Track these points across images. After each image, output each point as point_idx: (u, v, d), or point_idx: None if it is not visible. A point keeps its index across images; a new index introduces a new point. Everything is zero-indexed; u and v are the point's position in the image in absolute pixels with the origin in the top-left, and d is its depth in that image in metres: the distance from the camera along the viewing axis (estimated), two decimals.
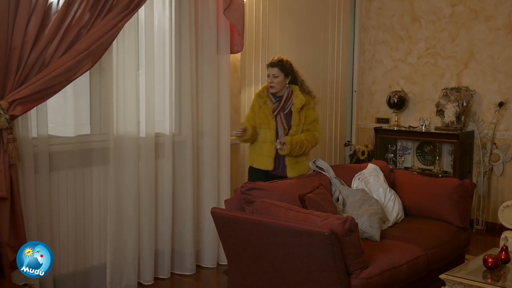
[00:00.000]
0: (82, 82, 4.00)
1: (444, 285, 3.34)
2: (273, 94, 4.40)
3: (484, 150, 5.78)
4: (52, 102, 3.80)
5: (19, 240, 3.56)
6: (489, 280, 3.28)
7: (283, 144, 4.27)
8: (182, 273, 4.56)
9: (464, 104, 5.80)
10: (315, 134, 4.48)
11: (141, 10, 4.13)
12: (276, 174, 4.41)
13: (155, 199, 4.37)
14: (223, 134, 4.77)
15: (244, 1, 4.76)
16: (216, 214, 3.55)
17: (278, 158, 4.42)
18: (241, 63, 5.11)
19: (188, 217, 4.55)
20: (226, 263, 3.76)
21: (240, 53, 4.93)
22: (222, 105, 4.75)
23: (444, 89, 5.95)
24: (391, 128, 6.19)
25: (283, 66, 4.36)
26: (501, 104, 5.69)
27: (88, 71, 3.86)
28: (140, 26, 4.21)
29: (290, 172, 4.40)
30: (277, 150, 4.35)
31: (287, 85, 4.40)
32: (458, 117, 5.80)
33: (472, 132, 5.86)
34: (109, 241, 4.14)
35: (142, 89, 4.24)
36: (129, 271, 4.21)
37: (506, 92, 5.72)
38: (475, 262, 3.55)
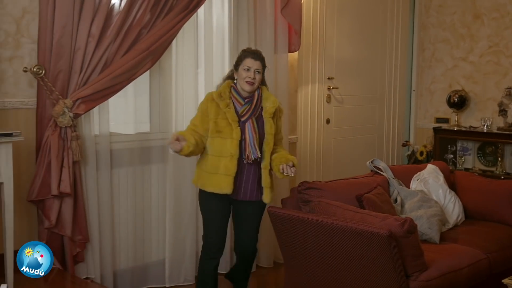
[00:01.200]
0: (142, 81, 4.09)
1: None
2: (239, 94, 3.47)
3: None
4: (113, 101, 3.89)
5: (82, 235, 3.68)
6: None
7: (292, 167, 3.41)
8: None
9: None
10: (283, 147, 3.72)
11: (200, 10, 4.18)
12: (236, 198, 3.50)
13: None
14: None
15: (301, 0, 4.75)
16: (273, 213, 3.55)
17: (241, 178, 3.47)
18: (298, 62, 5.09)
19: None
20: (283, 262, 3.75)
21: (297, 52, 4.92)
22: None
23: (508, 88, 5.75)
24: (451, 128, 6.05)
25: (264, 62, 3.54)
26: None
27: (148, 70, 3.94)
28: (199, 25, 4.26)
29: (267, 196, 3.53)
30: (242, 166, 3.44)
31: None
32: None
33: None
34: (168, 237, 4.21)
35: (201, 87, 4.29)
36: (187, 266, 4.27)
37: None
38: None
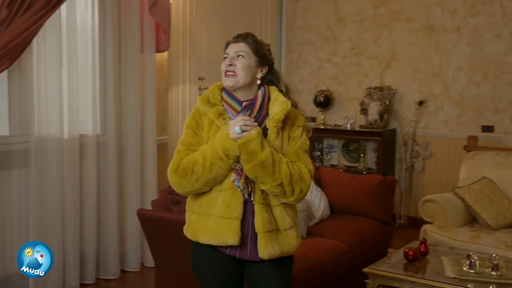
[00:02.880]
0: (0, 81, 3.86)
1: (368, 278, 3.44)
2: (232, 96, 2.35)
3: (405, 147, 5.98)
4: None
5: None
6: (409, 272, 3.41)
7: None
8: (107, 278, 4.44)
9: (387, 102, 5.98)
10: (304, 167, 2.39)
11: (63, 8, 4.03)
12: (243, 257, 2.29)
13: (80, 201, 4.26)
14: (149, 134, 4.70)
15: (170, 0, 4.72)
16: (142, 215, 3.50)
17: (248, 224, 2.26)
18: (168, 62, 5.06)
19: (113, 220, 4.46)
20: (151, 266, 3.70)
21: (167, 52, 4.89)
22: (148, 105, 4.69)
23: (368, 88, 6.11)
24: (318, 126, 6.30)
25: (255, 42, 2.45)
26: (421, 103, 5.91)
27: (7, 71, 3.73)
28: (62, 24, 4.10)
29: (263, 250, 2.25)
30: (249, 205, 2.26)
31: (259, 83, 2.39)
32: (381, 116, 5.98)
33: (394, 130, 6.05)
34: None
35: (65, 89, 4.13)
36: (54, 276, 4.07)
37: (426, 91, 5.94)
38: (396, 255, 3.69)
